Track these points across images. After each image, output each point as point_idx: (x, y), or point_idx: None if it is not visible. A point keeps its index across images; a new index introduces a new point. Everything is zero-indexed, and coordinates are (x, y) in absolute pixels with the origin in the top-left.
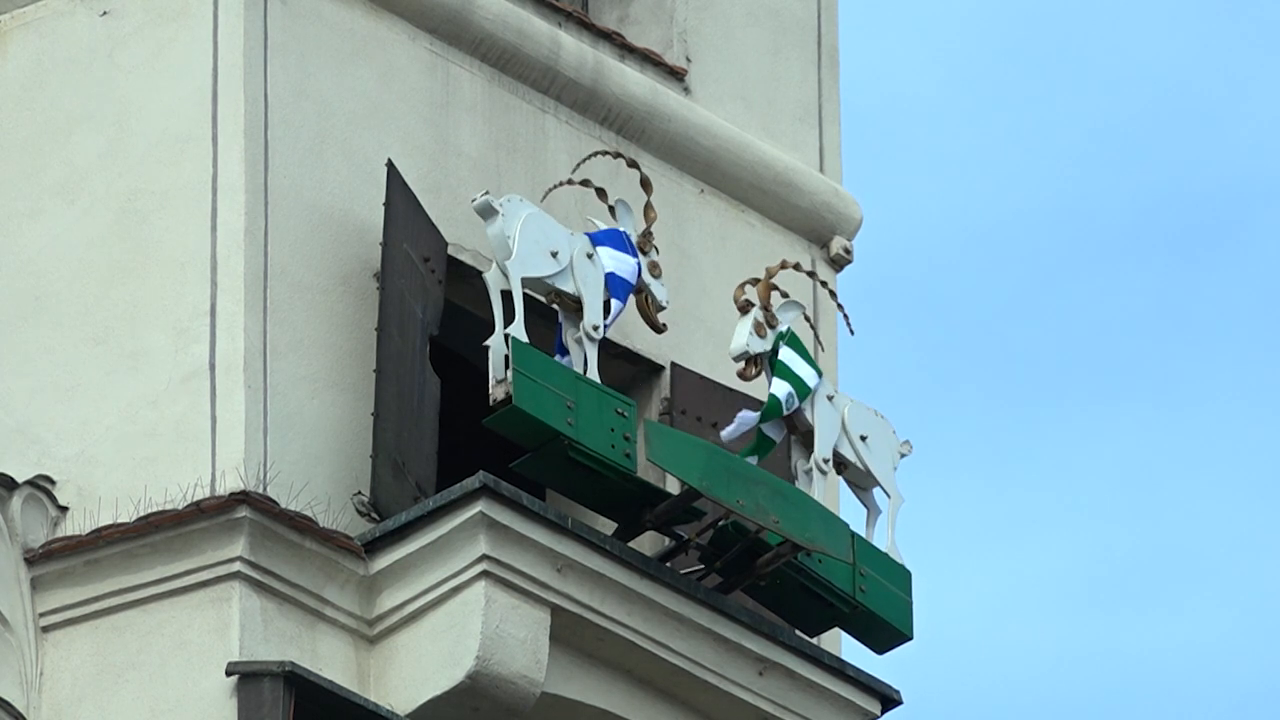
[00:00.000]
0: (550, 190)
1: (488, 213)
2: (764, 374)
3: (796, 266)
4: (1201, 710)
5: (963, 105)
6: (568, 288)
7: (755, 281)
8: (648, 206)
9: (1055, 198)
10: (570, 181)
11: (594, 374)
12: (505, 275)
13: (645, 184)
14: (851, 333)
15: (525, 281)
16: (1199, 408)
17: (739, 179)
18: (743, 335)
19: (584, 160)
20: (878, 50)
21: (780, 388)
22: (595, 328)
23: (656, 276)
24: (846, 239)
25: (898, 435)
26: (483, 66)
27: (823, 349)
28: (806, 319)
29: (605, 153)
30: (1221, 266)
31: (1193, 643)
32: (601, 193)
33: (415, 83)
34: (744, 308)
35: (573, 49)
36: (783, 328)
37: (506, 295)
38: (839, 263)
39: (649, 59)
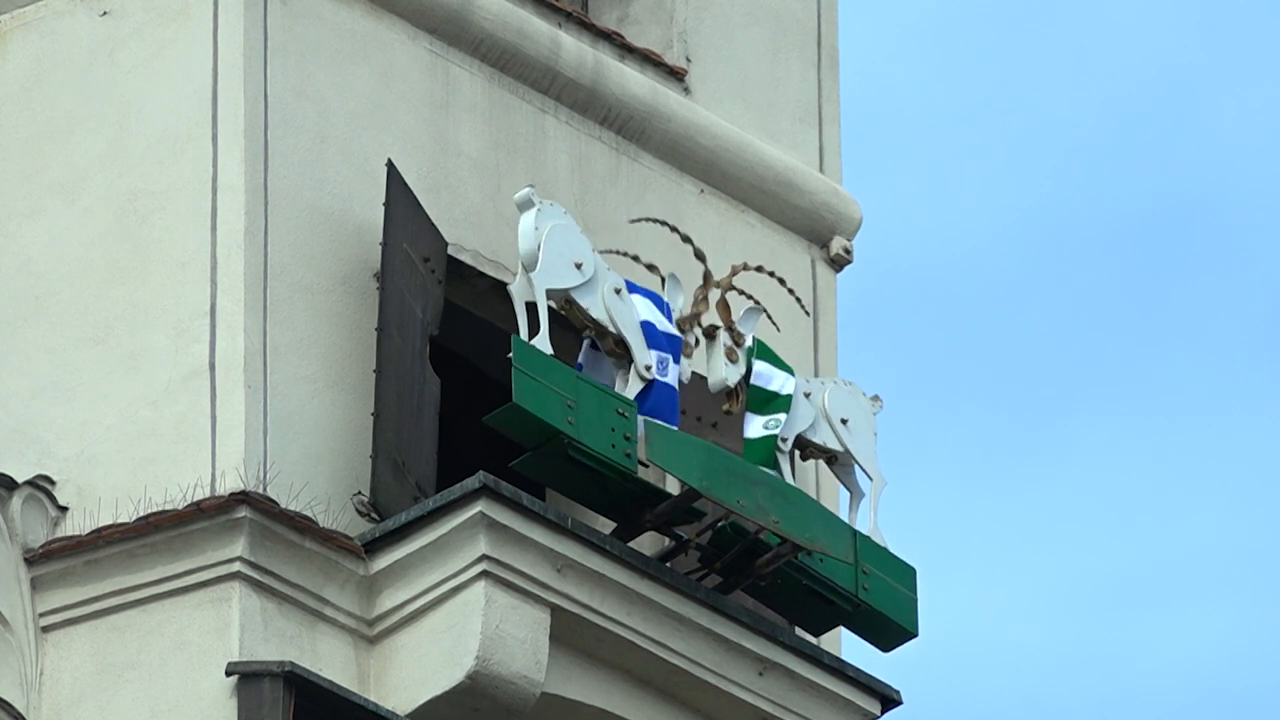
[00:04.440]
0: (603, 252)
1: (525, 205)
2: (744, 398)
3: (744, 267)
4: (1198, 714)
5: (962, 106)
6: (585, 303)
7: (706, 287)
8: (703, 298)
9: (1056, 200)
10: (629, 255)
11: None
12: (530, 286)
13: (707, 278)
14: (807, 314)
15: (548, 293)
16: (1198, 417)
17: (739, 179)
18: (719, 370)
19: (638, 220)
20: (878, 51)
21: (754, 428)
22: (648, 367)
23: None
24: (846, 239)
25: (875, 400)
26: (482, 66)
27: (778, 329)
28: (768, 316)
29: (662, 223)
30: (1221, 276)
31: (1190, 647)
32: (653, 268)
33: (415, 83)
34: (709, 334)
35: (572, 49)
36: (749, 342)
37: (530, 305)
38: (839, 263)
39: (649, 59)
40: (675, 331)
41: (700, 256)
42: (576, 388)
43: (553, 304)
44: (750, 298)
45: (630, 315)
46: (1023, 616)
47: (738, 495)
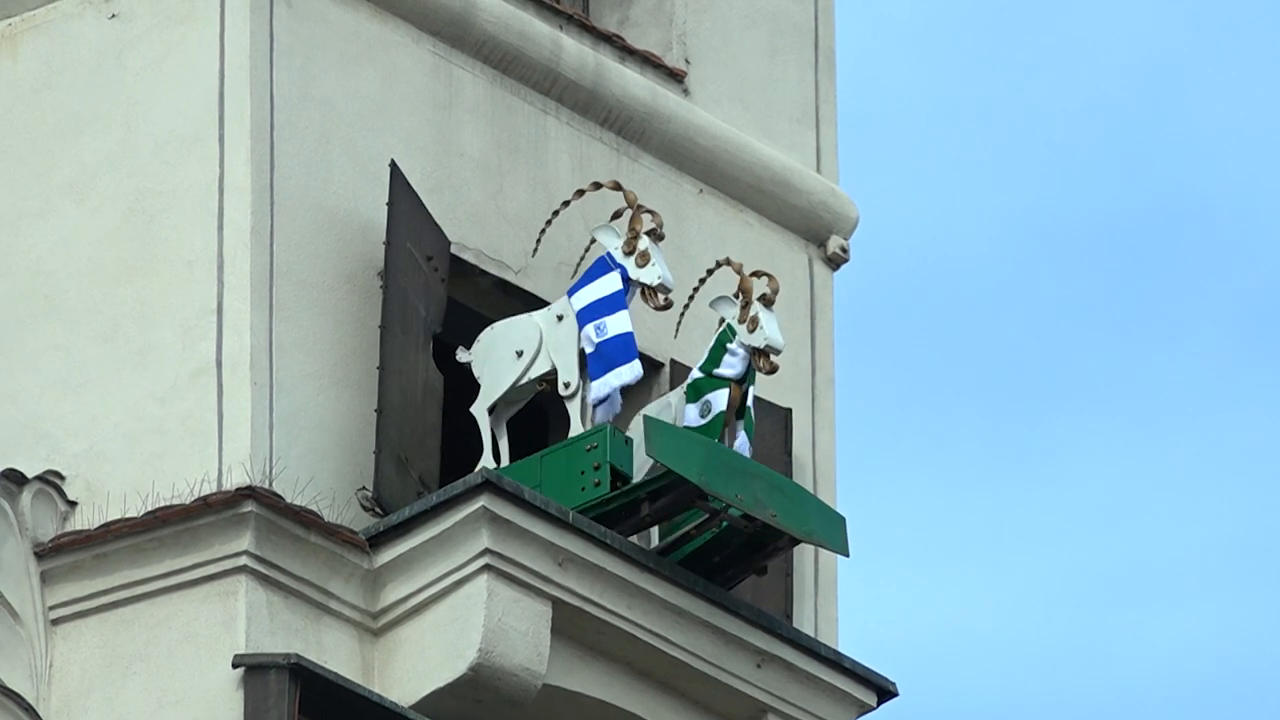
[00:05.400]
0: (546, 228)
1: (469, 361)
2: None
3: (755, 275)
4: (1183, 704)
5: (956, 108)
6: (544, 370)
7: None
8: (630, 209)
9: (1047, 201)
10: (567, 200)
11: (577, 427)
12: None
13: (629, 198)
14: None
15: (503, 397)
16: (1184, 418)
17: (737, 179)
18: (778, 330)
19: (570, 201)
20: (874, 53)
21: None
22: (566, 385)
23: (643, 266)
24: (843, 238)
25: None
26: (485, 68)
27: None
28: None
29: (598, 185)
30: (1206, 278)
31: (1175, 641)
32: (588, 249)
33: (418, 84)
34: (768, 300)
35: (574, 51)
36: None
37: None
38: (836, 261)
39: (649, 61)
40: (620, 269)
41: (624, 192)
42: (540, 466)
43: (519, 398)
44: (767, 275)
45: (569, 336)
46: (1015, 611)
47: (736, 490)
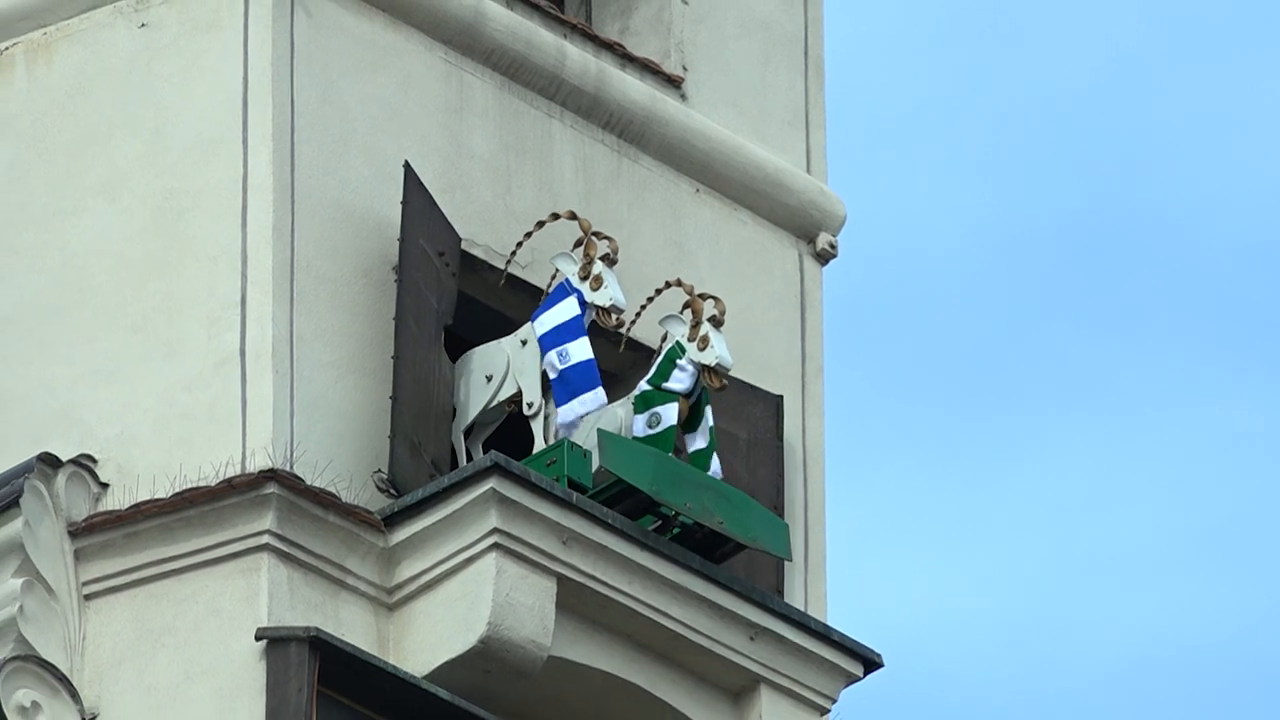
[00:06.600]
0: (511, 257)
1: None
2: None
3: (697, 293)
4: (1153, 681)
5: (939, 111)
6: (511, 392)
7: (703, 296)
8: (586, 240)
9: (1025, 201)
10: (530, 231)
11: (540, 444)
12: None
13: (584, 225)
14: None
15: (477, 419)
16: (1155, 410)
17: (732, 179)
18: (727, 350)
19: (532, 232)
20: (861, 61)
21: (671, 413)
22: (530, 405)
23: (596, 289)
24: (832, 235)
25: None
26: (493, 75)
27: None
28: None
29: (556, 215)
30: (1178, 275)
31: (1146, 621)
32: (554, 278)
33: (431, 90)
34: (717, 321)
35: (577, 58)
36: (669, 343)
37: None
38: (824, 257)
39: (648, 68)
40: (576, 293)
41: (579, 220)
42: None
43: (492, 420)
44: (714, 298)
45: (532, 358)
46: (993, 589)
47: (685, 498)
